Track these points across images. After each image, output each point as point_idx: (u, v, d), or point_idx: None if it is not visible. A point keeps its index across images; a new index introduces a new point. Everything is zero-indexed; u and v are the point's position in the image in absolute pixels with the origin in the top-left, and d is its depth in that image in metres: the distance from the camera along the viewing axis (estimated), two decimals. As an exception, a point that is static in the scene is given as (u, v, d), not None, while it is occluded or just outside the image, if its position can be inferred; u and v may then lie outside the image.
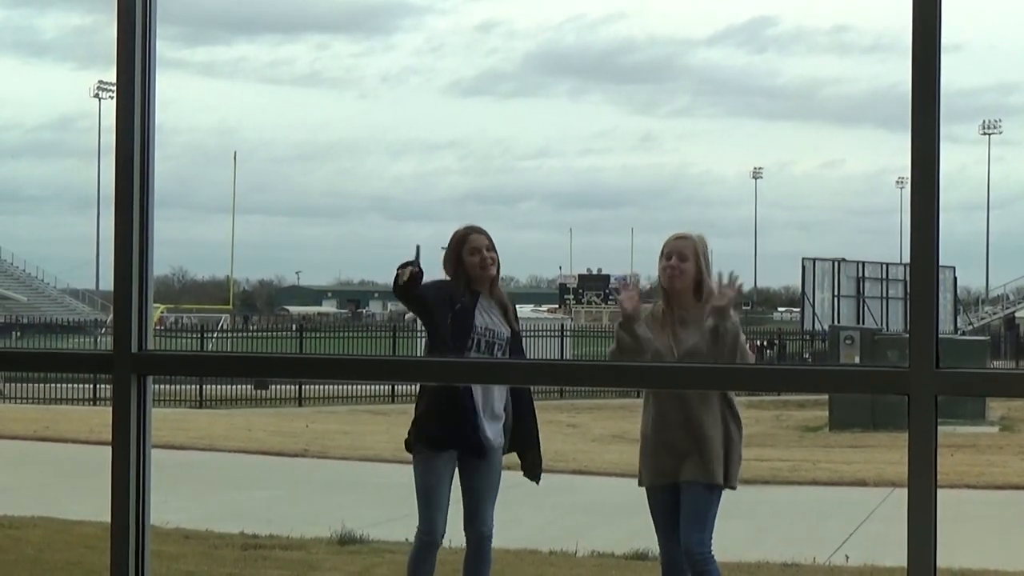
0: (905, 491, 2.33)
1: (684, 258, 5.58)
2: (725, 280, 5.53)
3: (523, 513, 9.66)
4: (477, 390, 5.69)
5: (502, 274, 6.01)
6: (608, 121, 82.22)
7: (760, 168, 73.22)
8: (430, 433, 5.81)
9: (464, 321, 5.76)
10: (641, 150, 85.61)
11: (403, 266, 5.66)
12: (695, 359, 5.35)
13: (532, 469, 5.93)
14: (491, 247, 5.89)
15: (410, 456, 5.90)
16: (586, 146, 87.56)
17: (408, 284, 5.65)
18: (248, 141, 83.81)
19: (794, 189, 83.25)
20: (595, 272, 69.21)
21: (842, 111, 78.85)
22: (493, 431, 5.79)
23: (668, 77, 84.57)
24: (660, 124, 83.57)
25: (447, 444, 5.77)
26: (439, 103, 78.90)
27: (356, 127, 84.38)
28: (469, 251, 5.84)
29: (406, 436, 5.91)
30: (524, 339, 6.51)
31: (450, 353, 5.59)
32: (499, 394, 5.77)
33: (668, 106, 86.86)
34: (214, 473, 13.38)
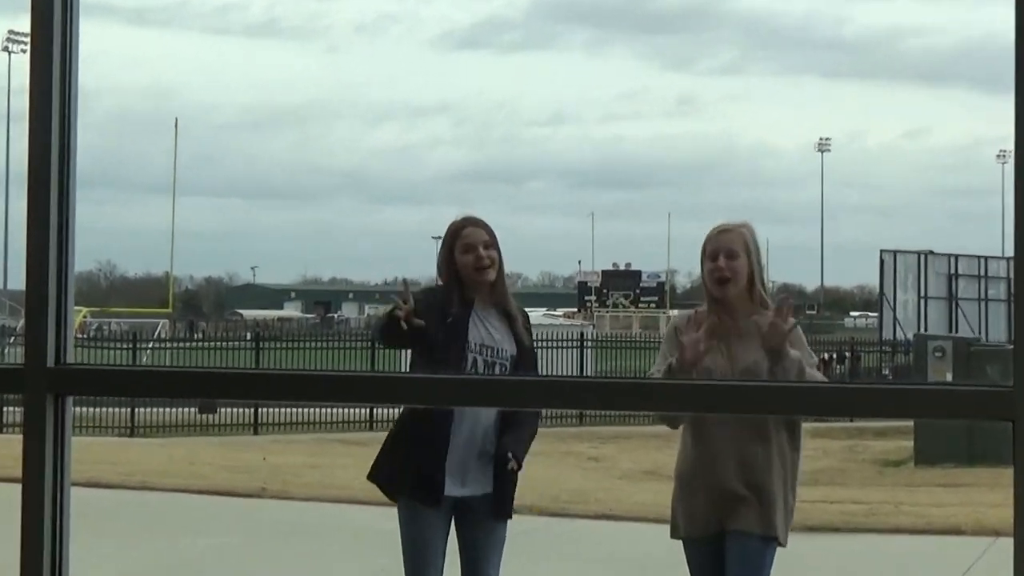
0: (1011, 540, 2.33)
1: (733, 255, 5.50)
2: (772, 309, 5.44)
3: (535, 567, 9.67)
4: (451, 420, 5.64)
5: (507, 272, 5.98)
6: (635, 80, 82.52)
7: (827, 139, 73.22)
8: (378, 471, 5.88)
9: (455, 336, 5.73)
10: (677, 116, 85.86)
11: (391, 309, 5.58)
12: (752, 378, 5.24)
13: (498, 504, 5.81)
14: (490, 244, 5.84)
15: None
16: (609, 110, 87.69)
17: (396, 324, 5.52)
18: (190, 105, 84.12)
19: (868, 165, 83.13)
20: (622, 267, 69.32)
21: (927, 68, 79.02)
22: (465, 472, 5.71)
23: (709, 26, 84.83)
24: (700, 83, 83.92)
25: (395, 487, 5.81)
26: (427, 58, 79.21)
27: (324, 87, 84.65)
28: (463, 248, 5.82)
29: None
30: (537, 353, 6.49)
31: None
32: (489, 423, 5.70)
33: (709, 61, 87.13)
34: (148, 517, 13.41)
